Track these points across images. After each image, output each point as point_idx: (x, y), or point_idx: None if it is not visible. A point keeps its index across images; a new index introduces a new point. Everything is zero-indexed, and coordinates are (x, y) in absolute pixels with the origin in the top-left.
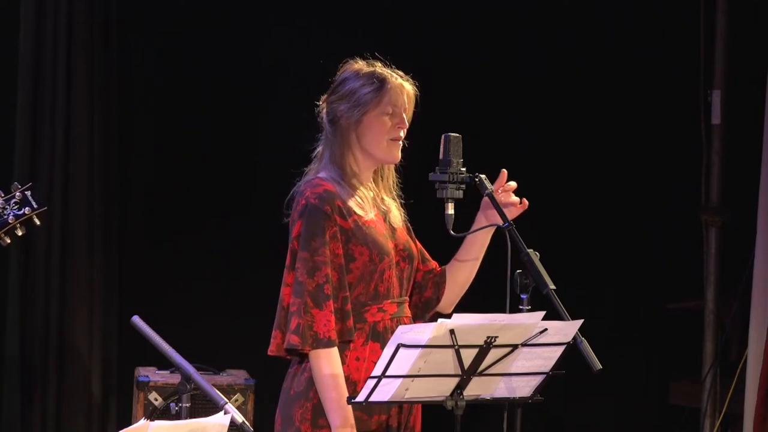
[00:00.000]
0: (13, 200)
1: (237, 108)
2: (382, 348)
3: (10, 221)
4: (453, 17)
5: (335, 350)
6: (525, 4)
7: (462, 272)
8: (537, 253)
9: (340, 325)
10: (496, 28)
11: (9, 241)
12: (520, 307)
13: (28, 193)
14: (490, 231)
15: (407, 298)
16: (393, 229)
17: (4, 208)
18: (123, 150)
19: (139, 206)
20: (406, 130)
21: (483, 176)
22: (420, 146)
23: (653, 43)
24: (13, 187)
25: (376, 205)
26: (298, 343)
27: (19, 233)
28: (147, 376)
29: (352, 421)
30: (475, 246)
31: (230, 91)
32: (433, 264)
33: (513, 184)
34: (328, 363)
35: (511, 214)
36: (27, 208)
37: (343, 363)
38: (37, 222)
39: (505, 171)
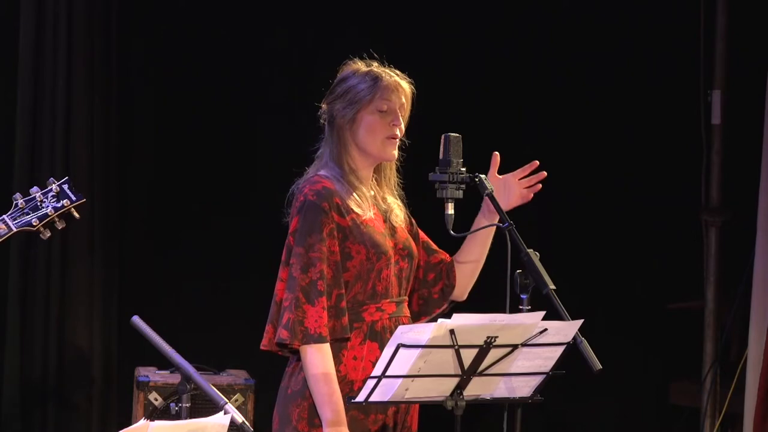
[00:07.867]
0: (51, 193)
1: (237, 109)
2: (380, 348)
3: (49, 213)
4: (453, 17)
5: (326, 346)
6: (525, 4)
7: (462, 275)
8: (537, 253)
9: (334, 322)
10: (496, 28)
11: (50, 234)
12: (520, 307)
13: (65, 186)
14: (491, 231)
15: (406, 297)
16: (393, 228)
17: (42, 201)
18: (123, 150)
19: (139, 206)
20: (403, 128)
21: (483, 176)
22: (420, 146)
23: (653, 43)
24: (49, 181)
25: (376, 204)
26: (288, 338)
27: (59, 227)
28: (147, 376)
29: (344, 416)
30: (475, 247)
31: (230, 92)
32: (443, 255)
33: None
34: (319, 358)
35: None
36: (66, 200)
37: (340, 362)
38: (76, 215)
39: (497, 154)
